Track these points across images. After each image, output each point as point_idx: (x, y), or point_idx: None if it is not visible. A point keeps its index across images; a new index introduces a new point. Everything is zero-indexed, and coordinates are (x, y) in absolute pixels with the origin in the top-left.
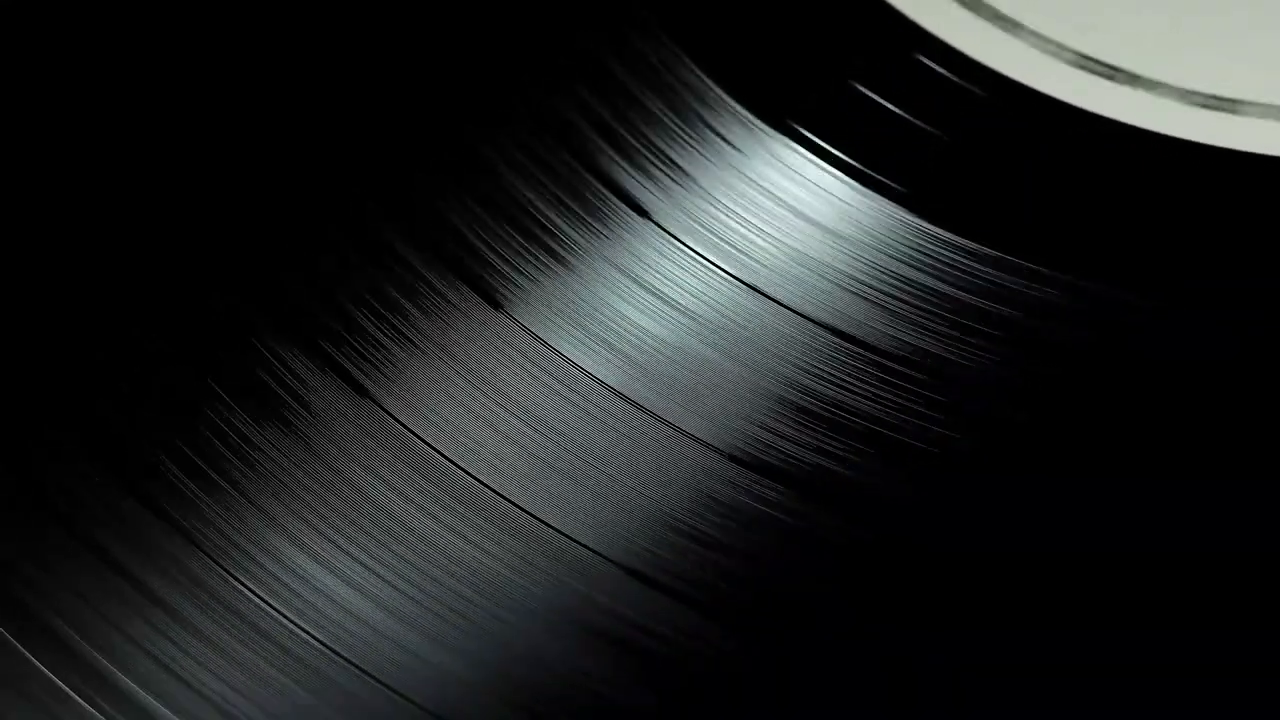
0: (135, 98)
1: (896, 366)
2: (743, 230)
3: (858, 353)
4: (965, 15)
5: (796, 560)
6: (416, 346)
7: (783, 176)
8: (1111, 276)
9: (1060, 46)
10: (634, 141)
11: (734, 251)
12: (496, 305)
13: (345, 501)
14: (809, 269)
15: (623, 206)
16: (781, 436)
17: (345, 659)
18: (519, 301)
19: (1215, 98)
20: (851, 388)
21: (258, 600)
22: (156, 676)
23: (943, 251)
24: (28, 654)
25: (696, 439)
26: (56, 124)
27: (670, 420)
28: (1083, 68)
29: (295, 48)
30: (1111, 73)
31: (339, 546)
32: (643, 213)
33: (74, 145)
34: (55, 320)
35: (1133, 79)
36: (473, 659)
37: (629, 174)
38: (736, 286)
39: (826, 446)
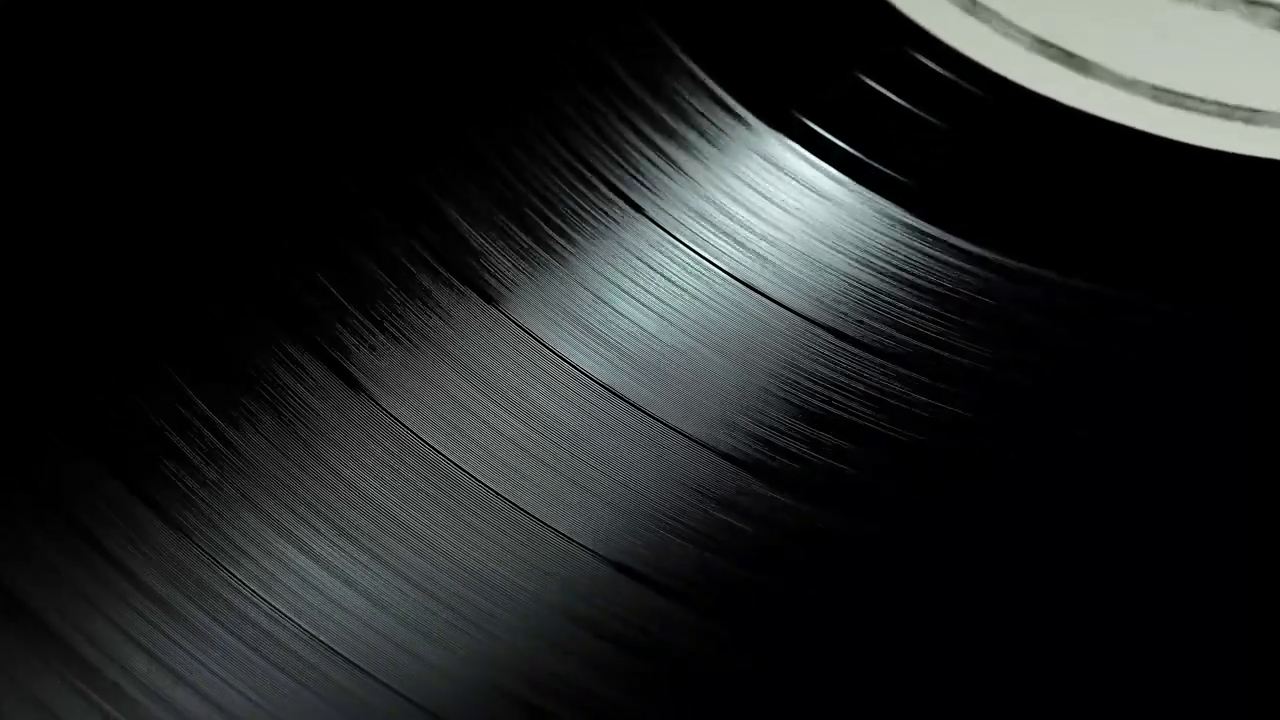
0: (135, 98)
1: (891, 364)
2: (737, 226)
3: (852, 351)
4: (960, 14)
5: (790, 558)
6: (410, 341)
7: (777, 173)
8: (1108, 277)
9: (1058, 48)
10: (628, 137)
11: (728, 248)
12: (490, 300)
13: (338, 495)
14: (803, 266)
15: (617, 201)
16: (776, 434)
17: (335, 652)
18: (513, 296)
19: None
20: (845, 386)
21: (249, 594)
22: (148, 669)
23: (938, 249)
24: (20, 646)
25: (689, 436)
26: (56, 124)
27: (662, 417)
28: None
29: (292, 45)
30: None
31: (331, 541)
32: (637, 208)
33: (74, 145)
34: (51, 314)
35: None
36: (464, 654)
37: (623, 169)
38: (731, 283)
39: (821, 444)
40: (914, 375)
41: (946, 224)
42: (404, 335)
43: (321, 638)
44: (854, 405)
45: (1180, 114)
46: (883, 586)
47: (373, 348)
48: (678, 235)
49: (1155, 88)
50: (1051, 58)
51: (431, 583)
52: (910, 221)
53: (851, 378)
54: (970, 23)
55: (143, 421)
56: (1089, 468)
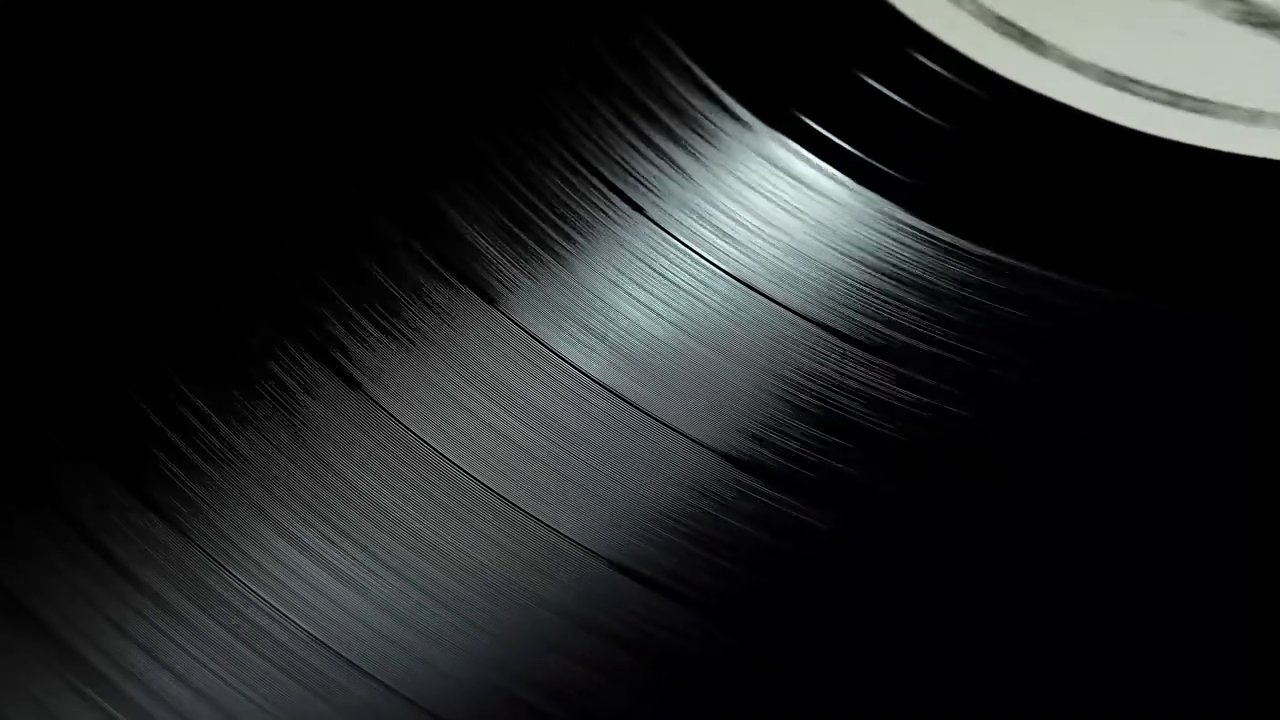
0: (135, 98)
1: (891, 364)
2: (736, 226)
3: (851, 351)
4: (962, 15)
5: (789, 558)
6: (410, 341)
7: (777, 173)
8: (1107, 277)
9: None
10: (628, 137)
11: (729, 248)
12: (491, 300)
13: (336, 494)
14: (804, 266)
15: (618, 202)
16: (776, 434)
17: (334, 651)
18: (513, 297)
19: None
20: (845, 385)
21: (247, 592)
22: (147, 668)
23: (937, 249)
24: (20, 646)
25: (689, 436)
26: (57, 124)
27: (662, 417)
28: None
29: (293, 45)
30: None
31: (329, 539)
32: (637, 208)
33: (74, 145)
34: (51, 313)
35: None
36: (463, 653)
37: (623, 169)
38: (731, 283)
39: (821, 444)
40: (914, 375)
41: (946, 224)
42: (403, 335)
43: (319, 636)
44: (853, 405)
45: (1129, 99)
46: (883, 586)
47: (373, 348)
48: (677, 235)
49: (1106, 71)
50: (1007, 35)
51: (428, 581)
52: (910, 221)
53: (851, 377)
54: (973, 24)
55: (143, 422)
56: (1088, 468)
